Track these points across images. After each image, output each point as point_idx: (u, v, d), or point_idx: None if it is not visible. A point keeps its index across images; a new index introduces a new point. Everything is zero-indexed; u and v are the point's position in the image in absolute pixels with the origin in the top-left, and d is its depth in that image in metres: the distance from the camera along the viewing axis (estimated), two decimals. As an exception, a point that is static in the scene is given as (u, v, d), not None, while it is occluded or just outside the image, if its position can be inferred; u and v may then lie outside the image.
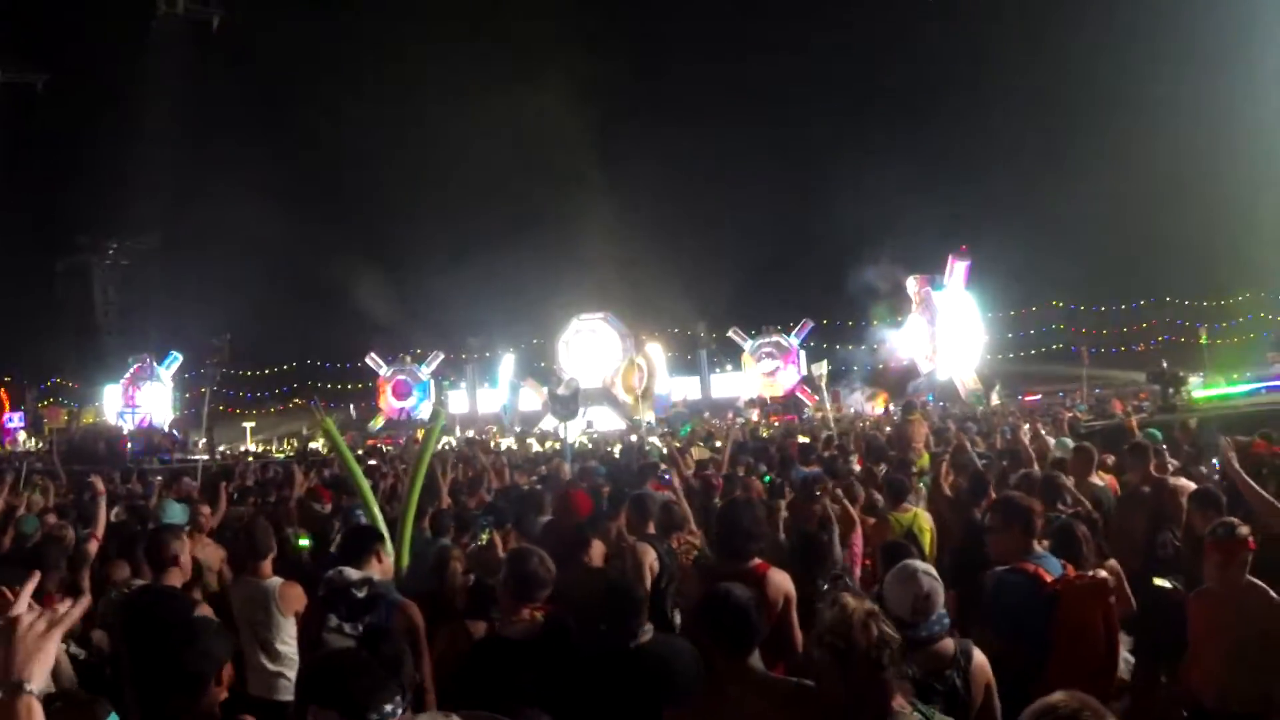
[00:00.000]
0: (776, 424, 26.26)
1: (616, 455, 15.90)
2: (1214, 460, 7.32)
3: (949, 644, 3.34)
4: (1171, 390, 13.57)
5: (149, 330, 42.01)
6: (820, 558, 5.16)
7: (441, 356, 43.04)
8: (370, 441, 27.67)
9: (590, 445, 19.92)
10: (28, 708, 1.77)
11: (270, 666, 4.74)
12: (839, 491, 6.79)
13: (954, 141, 39.43)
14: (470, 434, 29.25)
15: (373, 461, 14.61)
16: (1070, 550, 4.36)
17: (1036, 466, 7.59)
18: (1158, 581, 5.46)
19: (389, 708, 2.41)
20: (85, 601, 2.01)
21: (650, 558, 5.20)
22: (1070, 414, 17.47)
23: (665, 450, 12.31)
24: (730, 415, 30.40)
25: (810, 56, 41.03)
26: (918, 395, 28.78)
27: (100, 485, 7.00)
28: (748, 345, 41.10)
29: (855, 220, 35.41)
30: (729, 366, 42.59)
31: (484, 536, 6.11)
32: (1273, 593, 4.20)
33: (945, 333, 36.28)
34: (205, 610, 4.52)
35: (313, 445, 27.55)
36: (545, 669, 3.50)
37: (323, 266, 37.09)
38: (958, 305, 36.24)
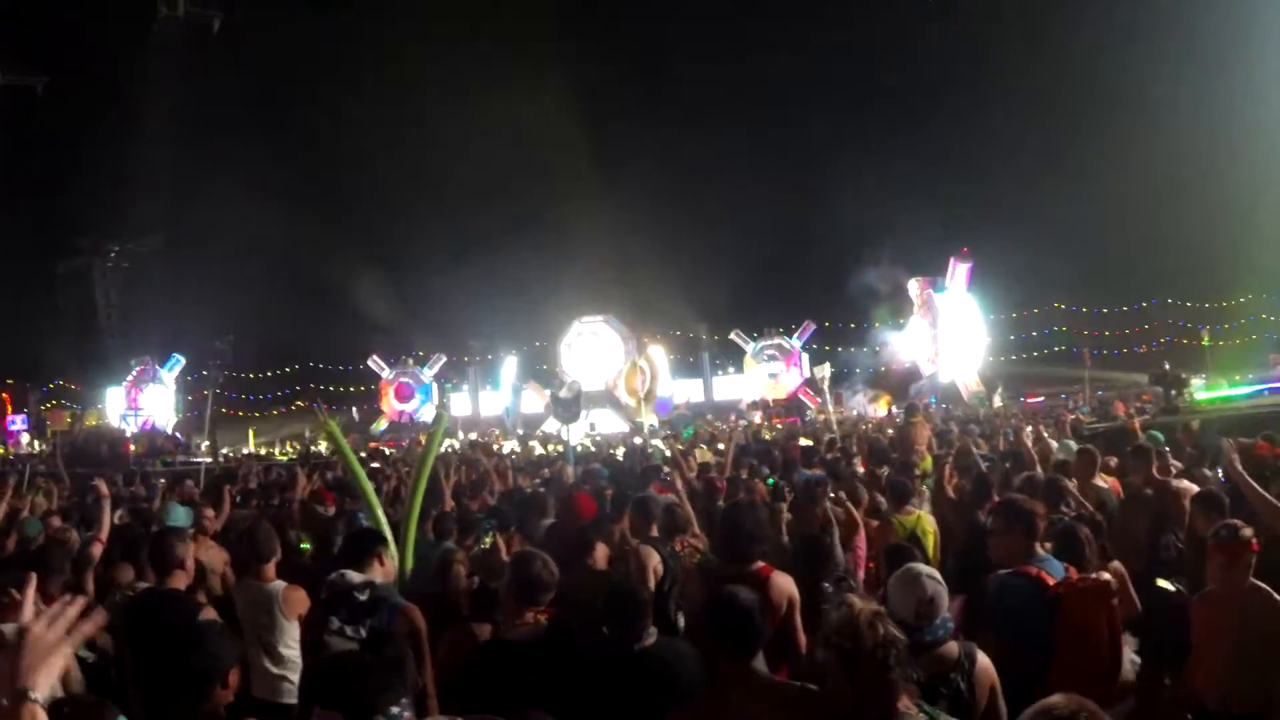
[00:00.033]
0: (779, 426, 26.23)
1: (619, 458, 15.85)
2: (1218, 468, 7.30)
3: (953, 647, 3.35)
4: (1174, 392, 13.53)
5: (151, 332, 41.93)
6: (822, 560, 5.15)
7: (444, 359, 42.99)
8: (372, 444, 27.67)
9: (593, 448, 19.88)
10: (32, 716, 1.78)
11: (274, 670, 4.74)
12: (842, 494, 6.77)
13: (954, 142, 39.33)
14: (473, 437, 29.20)
15: (376, 464, 14.62)
16: (1073, 553, 4.36)
17: (1039, 469, 7.59)
18: (1161, 584, 5.46)
19: (395, 710, 2.41)
20: (100, 617, 2.01)
21: (653, 560, 5.20)
22: (1073, 416, 17.51)
23: (668, 453, 12.29)
24: (733, 418, 30.40)
25: (810, 56, 40.96)
26: (920, 397, 28.85)
27: (104, 488, 6.96)
28: (750, 347, 41.04)
29: (856, 221, 35.39)
30: (731, 369, 42.48)
31: (487, 539, 6.10)
32: (1276, 595, 4.20)
33: (947, 335, 36.26)
34: (209, 613, 4.52)
35: (315, 448, 27.54)
36: (549, 672, 3.50)
37: (324, 267, 37.14)
38: (960, 307, 36.21)
